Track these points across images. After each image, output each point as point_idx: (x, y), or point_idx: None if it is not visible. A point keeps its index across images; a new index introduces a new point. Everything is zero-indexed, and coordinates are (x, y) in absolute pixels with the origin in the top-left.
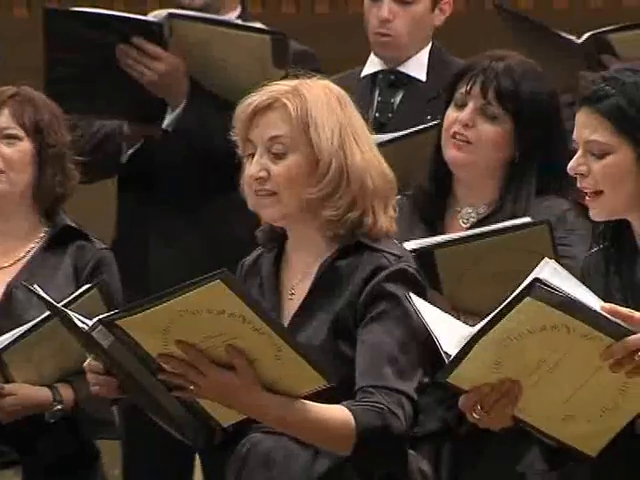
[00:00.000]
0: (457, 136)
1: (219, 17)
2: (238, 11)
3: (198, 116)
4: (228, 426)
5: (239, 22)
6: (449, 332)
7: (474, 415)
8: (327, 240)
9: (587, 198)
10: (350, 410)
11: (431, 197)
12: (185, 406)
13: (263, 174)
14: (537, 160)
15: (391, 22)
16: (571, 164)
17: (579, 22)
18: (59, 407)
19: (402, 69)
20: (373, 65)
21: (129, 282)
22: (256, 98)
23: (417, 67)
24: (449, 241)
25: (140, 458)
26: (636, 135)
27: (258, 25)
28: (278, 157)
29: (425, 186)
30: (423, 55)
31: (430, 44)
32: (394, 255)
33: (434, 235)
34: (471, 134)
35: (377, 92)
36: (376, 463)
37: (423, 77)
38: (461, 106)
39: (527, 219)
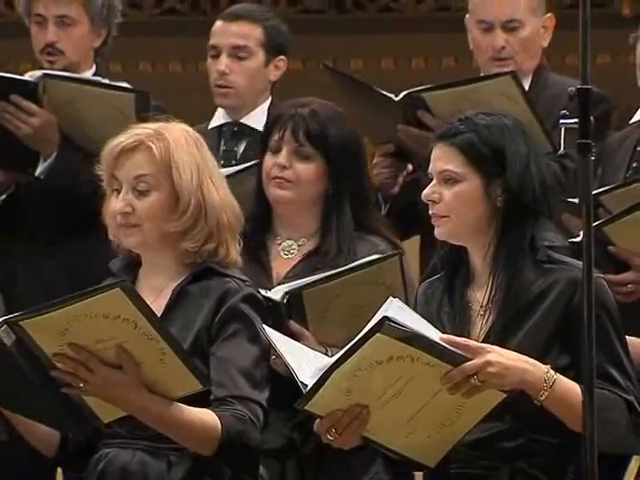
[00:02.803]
0: (277, 178)
1: (89, 77)
2: (93, 69)
3: (67, 166)
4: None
5: (106, 81)
6: (303, 362)
7: (328, 437)
8: (182, 267)
9: (434, 220)
10: (217, 415)
11: (253, 234)
12: (70, 403)
13: (128, 209)
14: (349, 192)
15: (228, 75)
16: (425, 192)
17: (404, 81)
18: None
19: (244, 121)
20: (219, 118)
21: None
22: (123, 139)
23: (258, 119)
24: (314, 282)
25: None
26: (484, 167)
27: (123, 84)
28: (142, 194)
29: (248, 226)
30: (263, 108)
31: (269, 99)
32: (242, 280)
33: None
34: (289, 174)
35: (222, 142)
36: (232, 466)
37: (262, 128)
38: (276, 152)
39: (379, 255)
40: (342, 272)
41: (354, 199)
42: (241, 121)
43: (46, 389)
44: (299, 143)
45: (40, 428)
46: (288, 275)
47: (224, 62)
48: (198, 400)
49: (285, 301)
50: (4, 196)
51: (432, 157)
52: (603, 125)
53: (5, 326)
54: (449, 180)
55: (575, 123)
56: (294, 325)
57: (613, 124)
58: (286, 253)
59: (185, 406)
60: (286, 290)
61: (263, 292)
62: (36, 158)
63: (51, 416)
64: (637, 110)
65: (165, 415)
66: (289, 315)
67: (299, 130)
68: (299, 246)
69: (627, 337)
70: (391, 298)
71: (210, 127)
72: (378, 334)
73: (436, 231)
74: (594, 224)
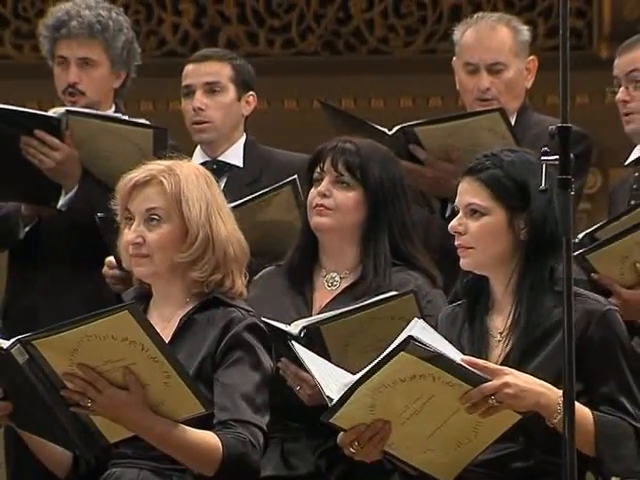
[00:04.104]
0: (318, 207)
1: (110, 114)
2: (113, 109)
3: (87, 199)
4: (91, 456)
5: (126, 118)
6: (330, 378)
7: (351, 450)
8: (189, 296)
9: (460, 251)
10: (219, 437)
11: (299, 265)
12: (79, 422)
13: (139, 240)
14: (386, 223)
15: (204, 110)
16: (452, 224)
17: (393, 119)
18: None
19: (222, 158)
20: (198, 157)
21: None
22: (136, 174)
23: (234, 156)
24: (331, 317)
25: None
26: (508, 201)
27: (142, 120)
28: (153, 226)
29: (294, 256)
30: (239, 146)
31: (244, 136)
32: (245, 310)
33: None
34: (329, 202)
35: None
36: None
37: (240, 164)
38: (318, 183)
39: (394, 292)
40: (358, 309)
41: (393, 231)
42: (219, 159)
43: (56, 407)
44: (338, 172)
45: (53, 447)
46: (327, 307)
47: (199, 99)
48: (202, 423)
49: (302, 335)
50: (27, 228)
51: (459, 190)
52: (584, 162)
53: (18, 345)
54: (475, 213)
55: (555, 160)
56: None
57: (593, 161)
58: (329, 285)
59: (188, 427)
60: (304, 325)
61: (283, 326)
62: (58, 191)
63: (60, 434)
64: (632, 151)
65: (168, 435)
66: (310, 348)
67: (338, 160)
68: (342, 278)
69: None
70: (416, 319)
71: None
72: (402, 352)
73: (462, 262)
74: (577, 252)
